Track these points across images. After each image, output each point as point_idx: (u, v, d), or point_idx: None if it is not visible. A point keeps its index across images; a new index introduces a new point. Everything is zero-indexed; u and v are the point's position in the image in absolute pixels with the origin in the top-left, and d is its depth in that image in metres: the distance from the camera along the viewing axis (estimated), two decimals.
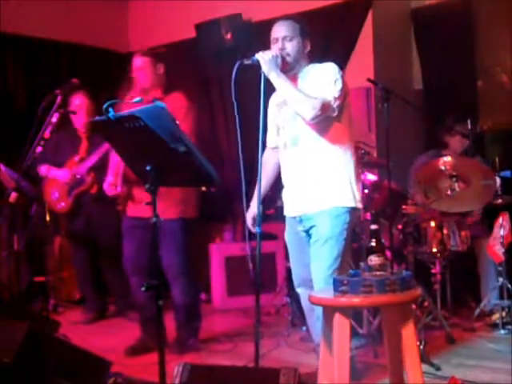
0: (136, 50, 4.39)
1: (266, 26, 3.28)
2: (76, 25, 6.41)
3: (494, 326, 4.33)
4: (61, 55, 6.45)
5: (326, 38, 5.57)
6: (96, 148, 4.83)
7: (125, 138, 2.58)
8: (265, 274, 5.25)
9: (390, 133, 3.78)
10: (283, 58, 3.12)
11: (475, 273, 4.67)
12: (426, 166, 4.21)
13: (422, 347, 3.64)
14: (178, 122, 2.49)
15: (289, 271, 4.34)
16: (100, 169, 4.64)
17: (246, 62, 3.02)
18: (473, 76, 5.64)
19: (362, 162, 4.24)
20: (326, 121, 3.11)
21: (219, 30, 5.93)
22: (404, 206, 4.22)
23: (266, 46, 3.18)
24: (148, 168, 2.53)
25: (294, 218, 3.28)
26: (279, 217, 3.51)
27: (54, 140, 4.93)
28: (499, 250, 4.21)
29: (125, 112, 2.48)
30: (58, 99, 3.69)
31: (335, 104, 3.08)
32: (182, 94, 4.05)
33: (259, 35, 3.30)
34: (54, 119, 3.74)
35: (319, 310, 2.90)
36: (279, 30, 3.19)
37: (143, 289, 2.49)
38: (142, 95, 3.89)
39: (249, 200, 3.24)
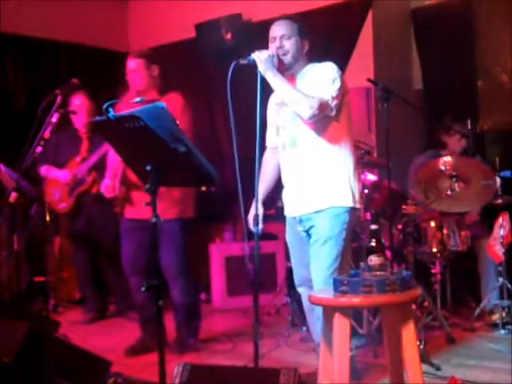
0: (130, 51, 4.38)
1: (266, 25, 3.28)
2: (76, 25, 6.41)
3: (494, 325, 4.33)
4: (61, 55, 6.45)
5: (326, 38, 5.57)
6: (97, 148, 4.83)
7: (125, 138, 2.58)
8: (265, 274, 5.30)
9: (389, 133, 3.78)
10: (280, 58, 3.11)
11: (475, 273, 4.68)
12: (425, 166, 4.21)
13: (422, 347, 3.65)
14: (177, 122, 2.48)
15: (289, 271, 4.34)
16: (101, 169, 4.64)
17: (242, 61, 3.01)
18: (473, 76, 5.64)
19: (362, 162, 4.24)
20: (324, 120, 3.11)
21: (219, 30, 5.93)
22: (404, 206, 4.22)
23: (266, 46, 3.18)
24: (148, 168, 2.53)
25: (294, 218, 3.28)
26: (279, 217, 3.51)
27: (55, 140, 4.94)
28: (499, 250, 4.21)
29: (125, 112, 2.48)
30: (58, 99, 3.69)
31: (333, 103, 3.07)
32: (178, 94, 4.03)
33: (259, 35, 3.29)
34: (54, 119, 3.74)
35: (319, 310, 2.90)
36: (277, 29, 3.19)
37: (143, 289, 2.49)
38: (138, 97, 3.88)
39: (250, 200, 3.24)
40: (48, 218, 5.59)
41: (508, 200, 4.31)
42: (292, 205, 3.29)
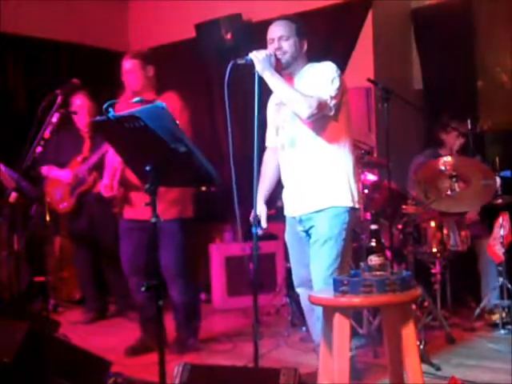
0: (126, 52, 4.37)
1: (266, 26, 3.28)
2: (76, 25, 6.41)
3: (494, 325, 4.33)
4: (61, 55, 6.45)
5: (326, 38, 5.57)
6: (99, 148, 4.83)
7: (125, 138, 2.58)
8: (265, 274, 5.31)
9: (389, 133, 3.78)
10: (277, 57, 3.11)
11: (475, 273, 4.67)
12: (425, 166, 4.21)
13: (422, 347, 3.65)
14: (177, 122, 2.48)
15: (289, 271, 4.34)
16: (102, 168, 4.64)
17: (240, 61, 3.01)
18: (473, 76, 5.64)
19: (362, 162, 4.24)
20: (322, 120, 3.11)
21: (219, 30, 5.93)
22: (404, 206, 4.22)
23: (265, 46, 3.18)
24: (148, 168, 2.53)
25: (294, 218, 3.28)
26: (279, 217, 3.51)
27: (57, 140, 4.95)
28: (499, 250, 4.21)
29: (125, 112, 2.48)
30: (58, 99, 3.69)
31: (332, 103, 3.07)
32: (175, 94, 4.02)
33: (259, 35, 3.29)
34: (54, 119, 3.74)
35: (319, 310, 2.90)
36: (275, 31, 3.19)
37: (143, 289, 2.49)
38: (134, 98, 3.88)
39: (251, 199, 3.23)
40: (48, 218, 5.58)
41: (508, 200, 4.31)
42: (292, 205, 3.29)
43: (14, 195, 3.76)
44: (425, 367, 3.18)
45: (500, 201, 4.29)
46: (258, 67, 3.01)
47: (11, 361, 2.74)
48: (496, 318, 4.34)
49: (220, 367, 3.01)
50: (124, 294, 4.88)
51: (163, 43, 6.53)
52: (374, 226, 2.72)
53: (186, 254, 4.13)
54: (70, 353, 3.02)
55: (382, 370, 3.32)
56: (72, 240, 5.54)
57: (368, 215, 4.09)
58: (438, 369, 3.49)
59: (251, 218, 3.29)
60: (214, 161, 2.54)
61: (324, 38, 5.53)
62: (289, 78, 3.20)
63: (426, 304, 4.26)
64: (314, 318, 3.20)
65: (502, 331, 4.22)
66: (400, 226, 4.39)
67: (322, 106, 3.04)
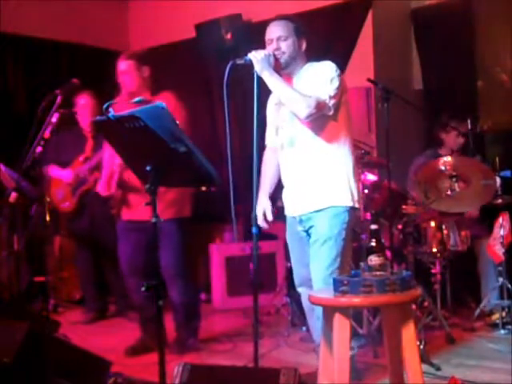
0: (121, 52, 4.37)
1: (266, 26, 3.27)
2: (76, 25, 6.41)
3: (494, 325, 4.33)
4: (61, 55, 6.45)
5: (326, 38, 5.57)
6: (101, 147, 4.83)
7: (125, 138, 2.58)
8: (265, 273, 5.30)
9: (390, 133, 3.78)
10: (276, 57, 3.11)
11: (475, 273, 4.67)
12: (425, 167, 4.21)
13: (422, 347, 3.65)
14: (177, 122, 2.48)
15: (289, 271, 4.34)
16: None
17: (239, 61, 3.02)
18: (473, 76, 5.64)
19: (362, 162, 4.24)
20: (321, 120, 3.10)
21: (219, 30, 5.93)
22: (404, 206, 4.22)
23: (265, 46, 3.18)
24: (148, 168, 2.53)
25: (294, 217, 3.28)
26: (279, 217, 3.51)
27: (61, 140, 4.96)
28: (499, 250, 4.21)
29: (125, 112, 2.48)
30: (58, 99, 3.69)
31: (331, 103, 3.07)
32: (171, 94, 4.01)
33: (259, 35, 3.29)
34: (54, 119, 3.73)
35: (319, 310, 2.90)
36: (273, 31, 3.18)
37: (143, 289, 2.49)
38: (130, 99, 3.88)
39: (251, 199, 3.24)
40: (48, 218, 5.59)
41: (508, 200, 4.31)
42: (291, 204, 3.29)
43: (13, 195, 3.76)
44: (425, 367, 3.18)
45: (500, 201, 4.30)
46: (257, 67, 3.01)
47: (11, 361, 2.73)
48: (496, 318, 4.35)
49: (220, 367, 3.01)
50: (124, 294, 4.87)
51: (163, 43, 6.54)
52: (373, 226, 2.72)
53: (185, 253, 4.12)
54: (70, 353, 3.02)
55: (382, 369, 3.32)
56: (73, 240, 5.54)
57: (368, 215, 4.09)
58: (438, 369, 3.49)
59: (260, 212, 3.30)
60: (213, 161, 2.54)
61: (324, 38, 5.53)
62: (288, 78, 3.20)
63: (426, 304, 4.26)
64: (315, 317, 3.20)
65: (502, 331, 4.22)
66: (400, 226, 4.39)
67: (320, 105, 3.03)
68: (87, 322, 5.20)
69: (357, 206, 3.20)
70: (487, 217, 4.69)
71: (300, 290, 3.37)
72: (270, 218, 3.32)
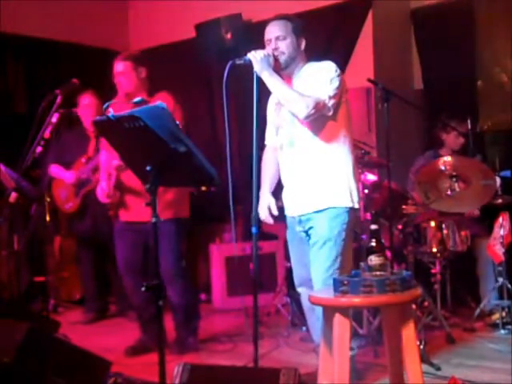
0: (118, 52, 4.37)
1: (266, 26, 3.28)
2: (76, 25, 6.41)
3: (494, 325, 4.33)
4: (61, 55, 6.45)
5: (326, 38, 5.57)
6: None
7: (125, 138, 2.58)
8: (265, 273, 5.30)
9: (390, 133, 3.78)
10: (276, 57, 3.11)
11: (475, 273, 4.67)
12: (426, 167, 4.22)
13: (422, 347, 3.64)
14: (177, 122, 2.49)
15: (289, 271, 4.34)
16: None
17: (238, 61, 3.02)
18: (473, 76, 5.64)
19: (362, 162, 4.24)
20: (320, 120, 3.10)
21: (219, 30, 5.93)
22: (404, 206, 4.22)
23: (265, 46, 3.18)
24: (148, 168, 2.53)
25: (294, 218, 3.28)
26: (279, 217, 3.51)
27: (64, 140, 4.96)
28: (499, 250, 4.20)
29: (125, 112, 2.48)
30: (58, 99, 3.69)
31: (330, 103, 3.06)
32: (168, 94, 3.98)
33: (259, 35, 3.29)
34: (54, 119, 3.74)
35: (319, 311, 2.90)
36: (271, 31, 3.18)
37: (143, 289, 2.49)
38: (127, 100, 3.88)
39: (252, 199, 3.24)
40: (48, 218, 5.61)
41: (508, 200, 4.32)
42: (291, 205, 3.29)
43: (14, 195, 3.77)
44: (425, 367, 3.18)
45: (500, 201, 4.30)
46: (257, 67, 3.01)
47: (11, 361, 2.73)
48: (496, 318, 4.34)
49: (220, 367, 3.01)
50: (125, 294, 4.88)
51: (163, 43, 6.54)
52: (373, 226, 2.72)
53: (183, 254, 4.13)
54: (70, 353, 3.02)
55: (382, 369, 3.32)
56: (75, 240, 5.55)
57: (368, 215, 4.09)
58: (438, 369, 3.49)
59: (264, 208, 3.29)
60: (213, 161, 2.54)
61: (324, 38, 5.54)
62: (288, 78, 3.20)
63: (426, 304, 4.26)
64: (315, 317, 3.20)
65: (502, 331, 4.22)
66: (400, 226, 4.39)
67: (319, 106, 3.03)
68: (87, 322, 5.20)
69: (356, 206, 3.20)
70: (487, 217, 4.69)
71: (300, 290, 3.37)
72: (275, 212, 3.31)
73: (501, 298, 4.29)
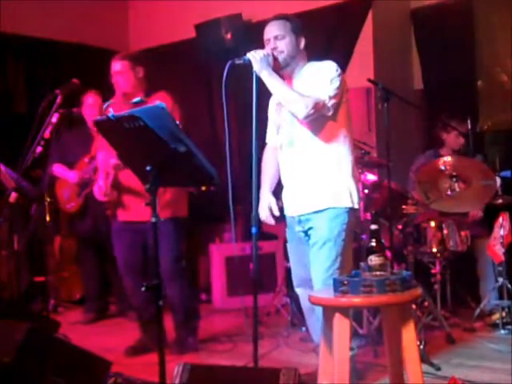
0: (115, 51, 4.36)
1: (266, 26, 3.28)
2: (76, 25, 6.41)
3: (494, 326, 4.33)
4: (61, 55, 6.45)
5: (326, 39, 5.57)
6: None
7: (125, 138, 2.58)
8: (265, 273, 5.30)
9: (390, 133, 3.78)
10: (275, 57, 3.11)
11: (475, 273, 4.67)
12: (426, 167, 4.22)
13: (422, 347, 3.64)
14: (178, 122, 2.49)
15: (289, 271, 4.34)
16: None
17: (238, 61, 3.01)
18: (473, 76, 5.64)
19: (362, 162, 4.24)
20: (320, 120, 3.09)
21: (219, 30, 5.93)
22: (404, 206, 4.22)
23: (265, 46, 3.18)
24: (148, 168, 2.53)
25: (293, 217, 3.28)
26: (280, 217, 3.50)
27: (68, 140, 4.96)
28: (499, 250, 4.20)
29: (125, 112, 2.48)
30: (58, 99, 3.69)
31: (330, 103, 3.06)
32: (166, 94, 3.98)
33: (259, 35, 3.29)
34: (54, 119, 3.74)
35: (319, 311, 2.90)
36: (270, 31, 3.18)
37: (143, 289, 2.49)
38: (124, 100, 3.87)
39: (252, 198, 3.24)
40: (48, 218, 5.61)
41: (508, 200, 4.32)
42: (291, 204, 3.28)
43: (14, 195, 3.77)
44: (425, 367, 3.18)
45: (500, 201, 4.30)
46: (256, 67, 3.01)
47: (11, 361, 2.73)
48: (496, 318, 4.34)
49: (220, 367, 3.01)
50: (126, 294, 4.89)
51: (163, 43, 6.54)
52: (373, 226, 2.72)
53: (182, 253, 4.12)
54: (70, 353, 3.02)
55: (382, 369, 3.32)
56: (76, 240, 5.55)
57: (368, 215, 4.09)
58: (438, 369, 3.49)
59: (265, 208, 3.29)
60: (213, 161, 2.54)
61: (324, 38, 5.53)
62: (288, 78, 3.20)
63: (426, 304, 4.25)
64: (314, 318, 3.20)
65: (502, 331, 4.22)
66: (400, 226, 4.38)
67: (319, 106, 3.03)
68: (87, 322, 5.20)
69: (356, 206, 3.18)
70: (487, 217, 4.69)
71: (298, 290, 3.36)
72: (276, 212, 3.30)
73: (501, 298, 4.29)
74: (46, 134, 3.68)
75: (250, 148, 3.02)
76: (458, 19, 5.60)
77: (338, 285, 2.57)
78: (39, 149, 3.62)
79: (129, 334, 4.33)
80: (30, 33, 6.10)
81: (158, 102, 2.46)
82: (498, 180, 4.25)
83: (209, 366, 3.17)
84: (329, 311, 2.65)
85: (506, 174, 4.80)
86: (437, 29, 5.76)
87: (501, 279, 4.27)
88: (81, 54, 6.50)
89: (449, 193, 3.95)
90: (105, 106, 3.67)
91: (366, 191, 4.30)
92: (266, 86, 3.06)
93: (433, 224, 4.35)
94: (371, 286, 2.52)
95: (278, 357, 3.95)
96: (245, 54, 3.04)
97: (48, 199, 5.49)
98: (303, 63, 3.22)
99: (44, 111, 3.63)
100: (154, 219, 2.53)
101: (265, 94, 3.15)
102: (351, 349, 2.76)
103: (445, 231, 4.33)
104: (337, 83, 3.07)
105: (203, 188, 4.49)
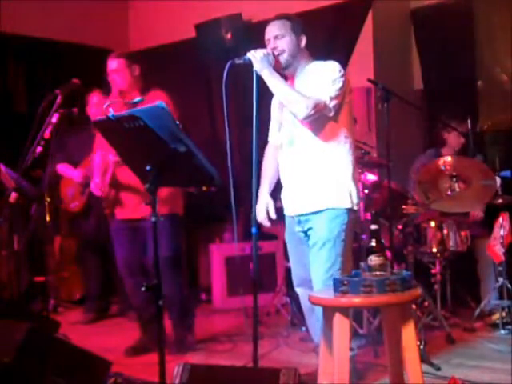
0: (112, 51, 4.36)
1: (266, 26, 3.28)
2: (76, 25, 6.41)
3: (494, 326, 4.33)
4: (61, 55, 6.45)
5: (326, 39, 5.57)
6: None
7: (125, 138, 2.58)
8: (265, 273, 5.30)
9: (390, 133, 3.78)
10: (276, 57, 3.11)
11: (475, 273, 4.68)
12: (426, 167, 4.22)
13: (422, 347, 3.64)
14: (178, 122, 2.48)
15: (288, 271, 4.34)
16: None
17: (238, 61, 3.02)
18: (473, 76, 5.64)
19: (362, 162, 4.24)
20: (321, 120, 3.09)
21: (219, 30, 5.94)
22: (404, 206, 4.22)
23: (265, 46, 3.18)
24: (148, 168, 2.53)
25: (293, 217, 3.27)
26: (279, 217, 3.50)
27: (73, 139, 4.96)
28: (499, 250, 4.20)
29: (125, 112, 2.48)
30: (58, 99, 3.69)
31: (331, 104, 3.05)
32: (162, 92, 3.98)
33: (259, 35, 3.29)
34: (54, 119, 3.74)
35: (319, 311, 2.89)
36: (270, 30, 3.18)
37: (143, 289, 2.49)
38: (120, 98, 3.87)
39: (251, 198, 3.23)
40: (48, 218, 5.61)
41: (508, 200, 4.32)
42: (290, 204, 3.28)
43: (14, 195, 3.77)
44: (425, 367, 3.18)
45: (500, 201, 4.30)
46: (257, 66, 3.01)
47: (11, 361, 2.73)
48: (496, 318, 4.34)
49: (220, 367, 3.01)
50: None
51: (163, 43, 6.54)
52: (373, 226, 2.72)
53: (180, 250, 4.12)
54: (70, 353, 3.02)
55: (382, 369, 3.32)
56: (78, 240, 5.55)
57: (368, 215, 4.09)
58: (438, 369, 3.49)
59: (262, 209, 3.29)
60: (213, 161, 2.54)
61: (324, 37, 5.53)
62: (291, 77, 3.20)
63: (426, 304, 4.26)
64: (314, 318, 3.20)
65: (502, 331, 4.22)
66: (400, 226, 4.39)
67: (319, 107, 3.02)
68: (87, 322, 5.20)
69: (356, 207, 3.17)
70: (487, 217, 4.69)
71: (298, 290, 3.35)
72: (273, 215, 3.30)
73: (501, 298, 4.29)
74: (46, 134, 3.68)
75: (250, 148, 3.02)
76: (458, 19, 5.60)
77: (338, 285, 2.57)
78: (39, 149, 3.62)
79: (129, 334, 4.33)
80: (30, 33, 6.10)
81: (158, 102, 2.46)
82: (498, 180, 4.26)
83: (209, 365, 3.17)
84: (329, 311, 2.65)
85: (506, 173, 4.80)
86: (437, 29, 5.76)
87: (501, 279, 4.27)
88: (81, 54, 6.50)
89: (449, 193, 3.95)
90: (104, 106, 3.67)
91: (366, 191, 4.30)
92: (267, 86, 3.06)
93: (433, 224, 4.35)
94: (371, 286, 2.52)
95: (277, 357, 3.95)
96: (245, 54, 3.03)
97: (48, 199, 5.49)
98: (305, 62, 3.21)
99: (44, 111, 3.63)
100: (153, 218, 2.53)
101: (265, 94, 3.16)
102: (351, 349, 2.76)
103: (445, 231, 4.33)
104: (339, 84, 3.06)
105: (204, 188, 4.49)
